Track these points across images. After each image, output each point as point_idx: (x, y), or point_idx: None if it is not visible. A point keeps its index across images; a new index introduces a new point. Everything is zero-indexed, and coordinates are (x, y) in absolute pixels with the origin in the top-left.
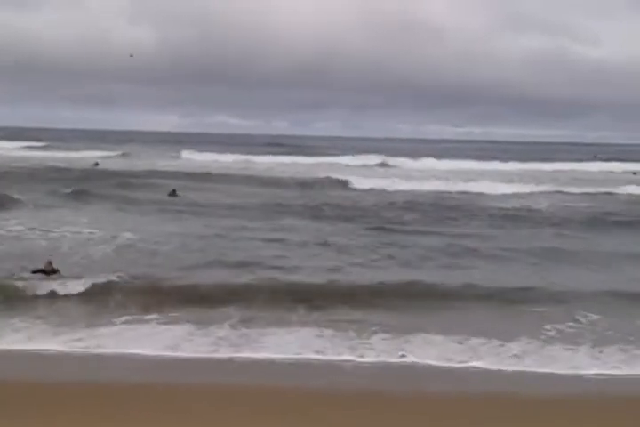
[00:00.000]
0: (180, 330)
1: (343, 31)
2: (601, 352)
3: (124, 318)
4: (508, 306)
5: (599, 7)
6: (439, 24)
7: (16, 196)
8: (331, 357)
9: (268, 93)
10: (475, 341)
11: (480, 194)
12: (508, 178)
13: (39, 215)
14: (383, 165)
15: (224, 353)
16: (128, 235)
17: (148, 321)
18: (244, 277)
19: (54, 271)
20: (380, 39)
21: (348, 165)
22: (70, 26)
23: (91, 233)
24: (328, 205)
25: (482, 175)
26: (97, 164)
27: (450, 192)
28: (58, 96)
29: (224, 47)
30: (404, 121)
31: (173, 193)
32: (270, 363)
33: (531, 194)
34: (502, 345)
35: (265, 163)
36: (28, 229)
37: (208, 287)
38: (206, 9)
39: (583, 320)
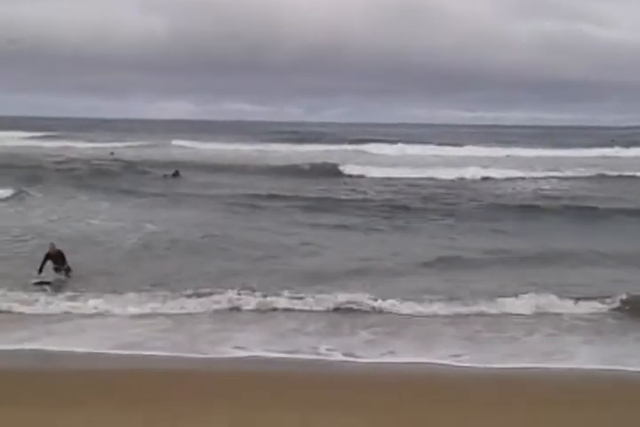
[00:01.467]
0: None
1: (355, 17)
2: None
3: None
4: None
5: None
6: (451, 8)
7: (32, 189)
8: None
9: (282, 80)
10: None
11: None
12: (525, 164)
13: (59, 206)
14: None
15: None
16: (150, 226)
17: None
18: None
19: (66, 269)
20: (391, 24)
21: (366, 153)
22: (82, 13)
23: (109, 225)
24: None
25: (500, 162)
26: (112, 153)
27: (465, 179)
28: (71, 85)
29: (237, 34)
30: (416, 106)
31: (177, 173)
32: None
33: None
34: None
35: (277, 151)
36: (50, 221)
37: None
38: None
39: None
